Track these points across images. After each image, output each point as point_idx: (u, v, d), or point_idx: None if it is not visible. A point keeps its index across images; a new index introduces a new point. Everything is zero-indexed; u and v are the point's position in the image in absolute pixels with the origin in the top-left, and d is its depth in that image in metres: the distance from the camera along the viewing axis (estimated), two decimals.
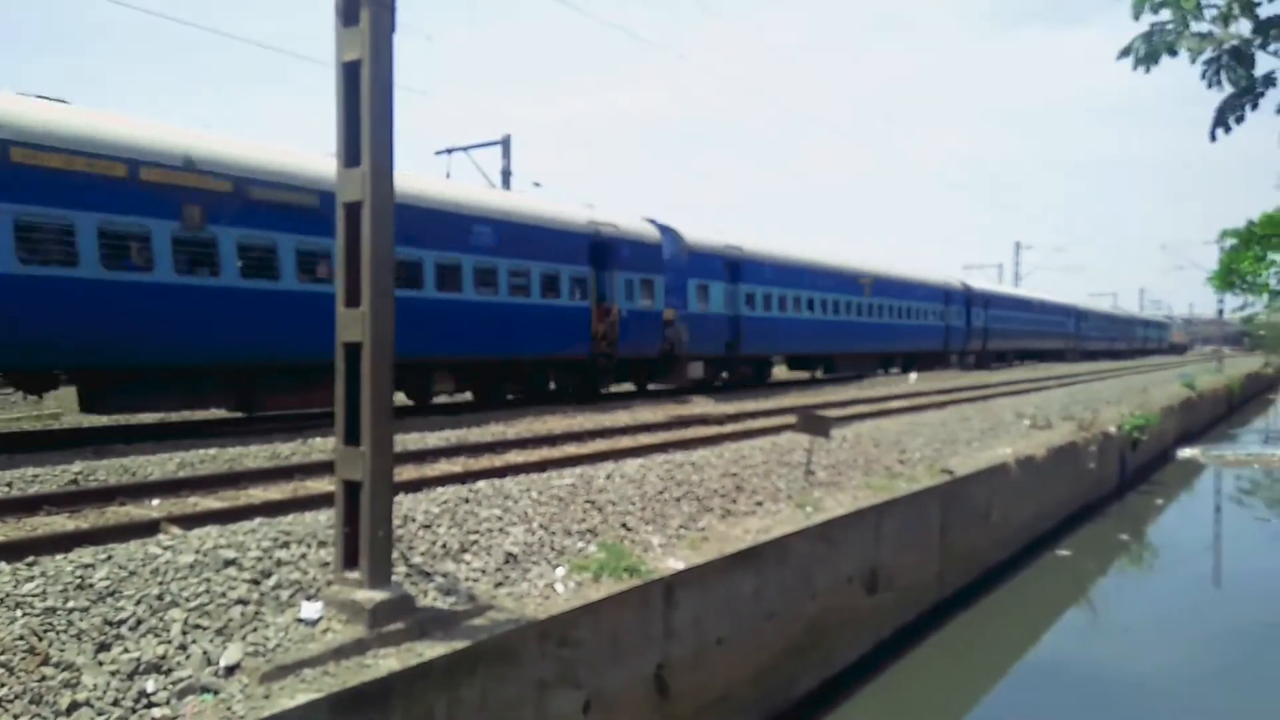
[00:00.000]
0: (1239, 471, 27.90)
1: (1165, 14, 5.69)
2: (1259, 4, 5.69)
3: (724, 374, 25.78)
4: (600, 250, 19.84)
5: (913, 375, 33.40)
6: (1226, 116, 5.98)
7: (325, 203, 11.91)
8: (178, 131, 13.06)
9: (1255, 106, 5.97)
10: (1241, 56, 5.75)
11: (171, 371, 12.67)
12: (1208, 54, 5.74)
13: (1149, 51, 5.79)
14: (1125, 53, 5.87)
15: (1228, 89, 5.88)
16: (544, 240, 18.47)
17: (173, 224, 12.21)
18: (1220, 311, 65.00)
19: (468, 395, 18.87)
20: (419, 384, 17.07)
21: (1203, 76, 5.83)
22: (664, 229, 22.41)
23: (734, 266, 24.75)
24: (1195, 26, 5.73)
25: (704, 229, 24.61)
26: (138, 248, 11.94)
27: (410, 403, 17.49)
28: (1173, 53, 5.78)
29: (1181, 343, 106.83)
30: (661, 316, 21.69)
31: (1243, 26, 5.67)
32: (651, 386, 23.38)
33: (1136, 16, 5.70)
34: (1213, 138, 6.15)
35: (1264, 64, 5.92)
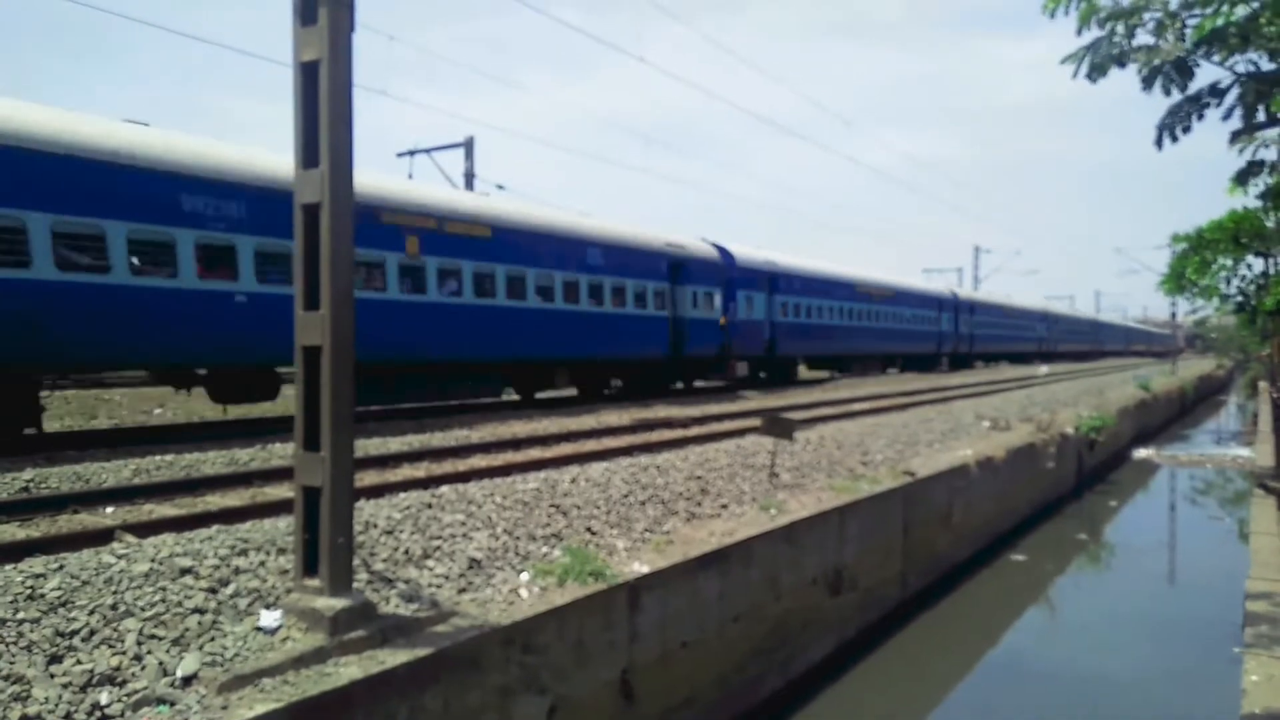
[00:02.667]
0: (1192, 471, 28.48)
1: (1112, 27, 5.79)
2: (1186, 26, 5.83)
3: (762, 373, 29.80)
4: (675, 268, 23.62)
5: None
6: (1174, 127, 6.11)
7: (495, 234, 17.77)
8: (394, 179, 17.86)
9: (1201, 117, 6.11)
10: (1183, 68, 5.88)
11: (395, 367, 15.67)
12: (1149, 68, 5.86)
13: (1097, 63, 5.90)
14: (1069, 59, 5.97)
15: (1175, 95, 6.01)
16: (637, 261, 22.22)
17: (399, 255, 15.90)
18: (1173, 315, 66.30)
19: (573, 390, 22.64)
20: (541, 380, 20.47)
21: (1144, 87, 5.94)
22: (720, 248, 26.24)
23: (772, 279, 28.42)
24: (1140, 39, 5.85)
25: (748, 247, 28.37)
26: (379, 274, 15.58)
27: (518, 397, 20.66)
28: (1121, 65, 5.90)
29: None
30: (719, 323, 25.20)
31: (1186, 37, 5.80)
32: (700, 384, 27.04)
33: (1079, 32, 5.80)
34: (1159, 147, 6.30)
35: (1210, 74, 6.05)
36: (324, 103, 5.60)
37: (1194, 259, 7.12)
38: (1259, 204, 6.73)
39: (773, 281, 28.64)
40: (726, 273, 26.18)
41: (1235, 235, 6.97)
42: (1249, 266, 7.26)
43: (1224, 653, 10.71)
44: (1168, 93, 5.92)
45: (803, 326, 30.71)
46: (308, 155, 5.72)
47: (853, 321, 34.65)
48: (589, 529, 8.61)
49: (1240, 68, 5.95)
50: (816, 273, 32.47)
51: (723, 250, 26.58)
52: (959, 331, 46.80)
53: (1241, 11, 5.62)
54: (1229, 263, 7.22)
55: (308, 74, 5.69)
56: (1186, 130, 6.11)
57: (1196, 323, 65.47)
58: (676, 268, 23.65)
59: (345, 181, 5.68)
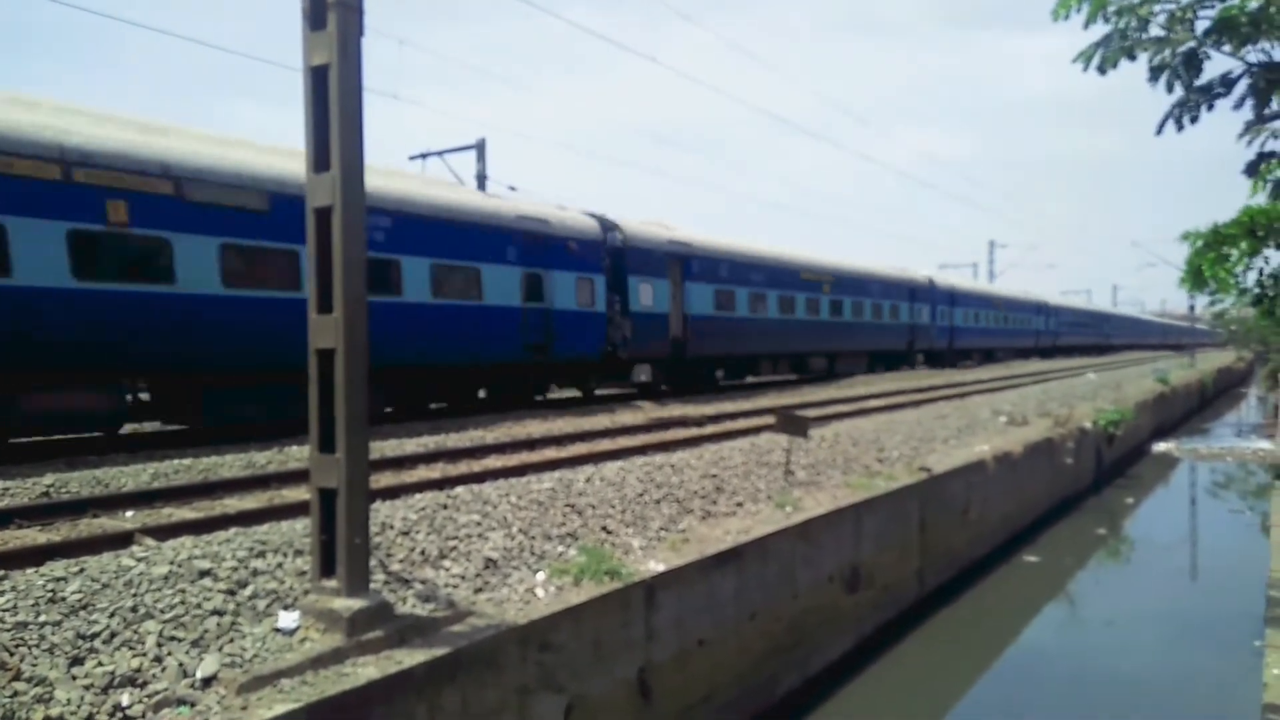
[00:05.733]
0: (1213, 465, 28.23)
1: (1121, 21, 5.79)
2: (1197, 18, 5.81)
3: (664, 385, 23.57)
4: (533, 247, 18.91)
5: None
6: (1181, 116, 6.10)
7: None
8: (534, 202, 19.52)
9: (1211, 107, 6.09)
10: (1191, 61, 5.87)
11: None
12: (1159, 59, 5.85)
13: (1109, 56, 5.89)
14: (1080, 57, 5.97)
15: (1178, 91, 6.00)
16: (473, 238, 17.49)
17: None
18: (1192, 308, 65.74)
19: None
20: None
21: (1151, 80, 5.93)
22: (605, 222, 21.52)
23: (683, 263, 23.37)
24: (1151, 31, 5.83)
25: (651, 222, 23.77)
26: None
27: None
28: (1131, 57, 5.89)
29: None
30: (601, 316, 20.64)
31: (1196, 28, 5.78)
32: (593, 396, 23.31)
33: (1086, 26, 5.79)
34: (1159, 132, 6.30)
35: (1221, 64, 6.03)
36: (334, 107, 5.63)
37: (1209, 255, 7.07)
38: (1275, 200, 6.69)
39: (685, 265, 23.40)
40: (615, 254, 21.33)
41: (1251, 229, 6.91)
42: (1265, 260, 7.21)
43: (1245, 646, 10.64)
44: (1170, 89, 5.91)
45: (728, 321, 25.01)
46: (319, 159, 5.76)
47: (798, 315, 28.64)
48: (604, 528, 8.63)
49: (1252, 57, 5.91)
50: (748, 254, 26.50)
51: (608, 224, 21.50)
52: (936, 324, 40.57)
53: (1254, 3, 5.59)
54: (1246, 258, 7.17)
55: (318, 78, 5.72)
56: (1194, 120, 6.09)
57: (1215, 315, 64.61)
58: (535, 247, 18.72)
59: (357, 185, 5.72)
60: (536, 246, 18.78)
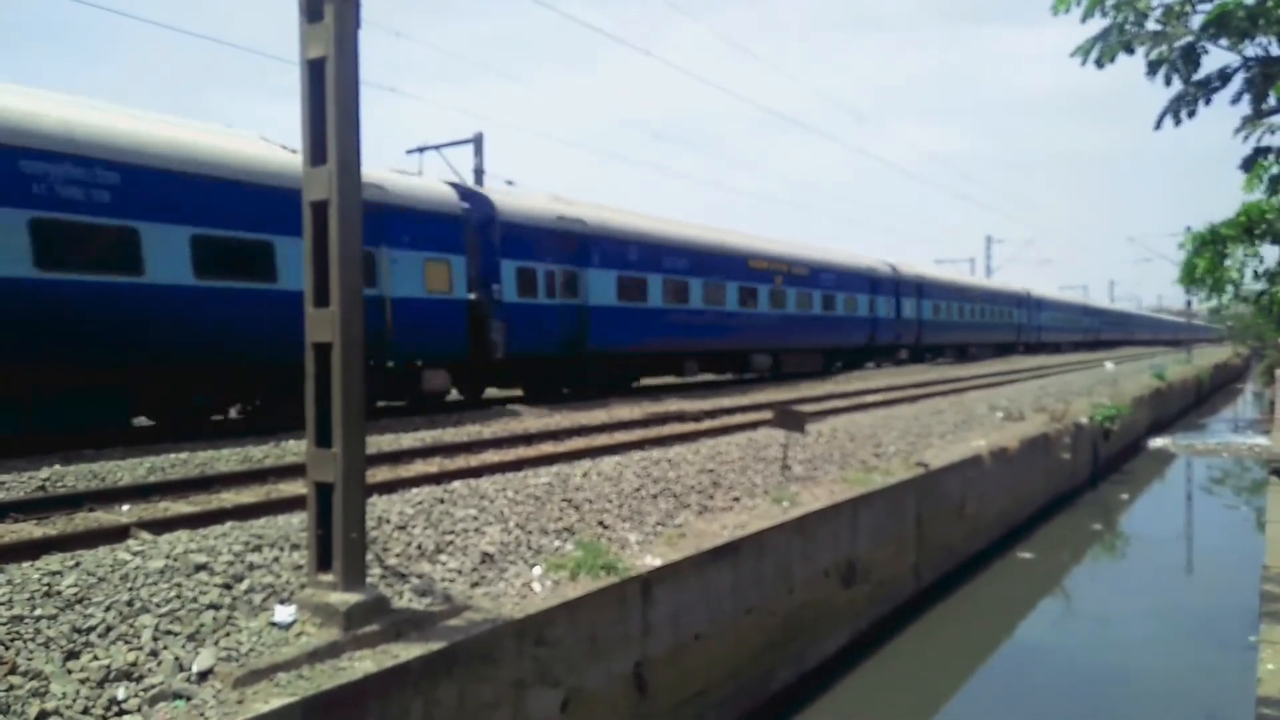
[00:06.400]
0: (1209, 460, 28.29)
1: (1119, 15, 5.79)
2: (1194, 11, 5.81)
3: (565, 388, 20.53)
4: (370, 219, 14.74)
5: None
6: (1179, 110, 6.11)
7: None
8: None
9: (1208, 102, 6.10)
10: (1190, 55, 5.88)
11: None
12: (1156, 53, 5.85)
13: (1107, 50, 5.89)
14: (1078, 51, 5.98)
15: (1176, 85, 6.00)
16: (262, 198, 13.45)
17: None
18: (1189, 304, 65.81)
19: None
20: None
21: (1149, 74, 5.93)
22: (467, 192, 18.60)
23: (581, 244, 20.32)
24: (1149, 25, 5.84)
25: (540, 196, 20.86)
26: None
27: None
28: (1129, 51, 5.89)
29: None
30: (462, 305, 17.12)
31: (1192, 22, 5.78)
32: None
33: (1084, 20, 5.79)
34: (1158, 126, 6.32)
35: (1219, 58, 6.03)
36: (331, 100, 5.63)
37: (1205, 256, 7.07)
38: (1270, 196, 6.69)
39: (582, 247, 20.25)
40: (484, 230, 18.01)
41: (1248, 227, 6.92)
42: (1260, 259, 7.22)
43: (1240, 641, 10.67)
44: (1168, 83, 5.91)
45: (644, 313, 22.07)
46: (315, 152, 5.75)
47: (729, 306, 25.39)
48: (601, 523, 8.63)
49: (1250, 51, 5.91)
50: (672, 239, 23.65)
51: (473, 195, 18.38)
52: (902, 318, 37.24)
53: None
54: (1241, 256, 7.18)
55: (314, 71, 5.71)
56: (1191, 114, 6.10)
57: (1211, 310, 64.59)
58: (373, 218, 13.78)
59: (353, 178, 5.71)
60: (364, 218, 14.15)
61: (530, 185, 22.79)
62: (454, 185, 18.26)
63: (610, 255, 21.19)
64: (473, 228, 17.66)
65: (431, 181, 17.84)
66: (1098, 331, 76.12)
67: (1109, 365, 36.95)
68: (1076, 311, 70.78)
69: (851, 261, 33.86)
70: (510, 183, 22.80)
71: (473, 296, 17.41)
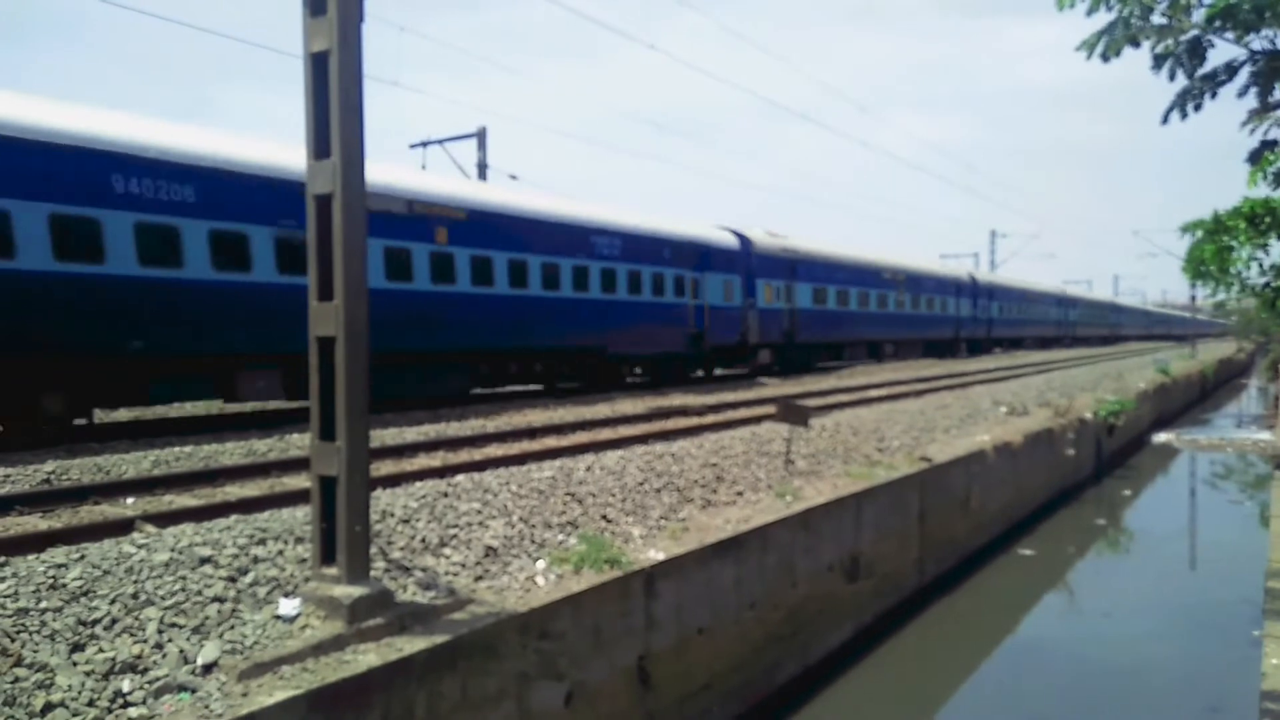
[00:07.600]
0: (1213, 455, 28.25)
1: (1125, 9, 5.77)
2: (1199, 5, 5.80)
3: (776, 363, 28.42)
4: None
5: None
6: (1186, 103, 6.09)
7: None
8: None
9: (1214, 95, 6.08)
10: (1195, 49, 5.86)
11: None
12: (1162, 46, 5.84)
13: (1112, 44, 5.88)
14: (1083, 45, 5.96)
15: (1180, 80, 5.99)
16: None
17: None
18: (1193, 299, 65.63)
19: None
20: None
21: (1155, 68, 5.92)
22: (740, 236, 26.17)
23: (791, 266, 27.94)
24: (1154, 19, 5.82)
25: (765, 233, 27.99)
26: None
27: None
28: (1135, 44, 5.88)
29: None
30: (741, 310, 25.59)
31: (1197, 16, 5.76)
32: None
33: (1089, 14, 5.77)
34: (1165, 121, 6.31)
35: (1225, 51, 6.01)
36: (334, 93, 5.61)
37: (1209, 246, 7.05)
38: (1275, 190, 6.66)
39: (790, 267, 27.90)
40: (745, 259, 26.02)
41: (1252, 219, 6.90)
42: (1265, 251, 7.18)
43: (1244, 636, 10.67)
44: (1172, 77, 5.89)
45: (826, 314, 29.79)
46: (319, 146, 5.74)
47: (876, 308, 33.66)
48: (604, 516, 8.64)
49: (1256, 44, 5.89)
50: (837, 257, 31.33)
51: (740, 235, 26.17)
52: (977, 316, 45.01)
53: None
54: (1246, 249, 7.15)
55: (318, 65, 5.70)
56: (1198, 108, 6.08)
57: (1215, 305, 64.41)
58: (701, 255, 24.28)
59: (357, 172, 5.70)
60: (691, 255, 24.27)
61: (533, 181, 23.40)
62: (731, 230, 26.10)
63: (808, 273, 29.01)
64: (740, 257, 25.67)
65: (721, 231, 25.73)
66: (1119, 326, 76.56)
67: (1119, 362, 38.15)
68: (1106, 309, 74.19)
69: (944, 271, 43.41)
70: (514, 177, 22.79)
71: (741, 304, 25.67)
